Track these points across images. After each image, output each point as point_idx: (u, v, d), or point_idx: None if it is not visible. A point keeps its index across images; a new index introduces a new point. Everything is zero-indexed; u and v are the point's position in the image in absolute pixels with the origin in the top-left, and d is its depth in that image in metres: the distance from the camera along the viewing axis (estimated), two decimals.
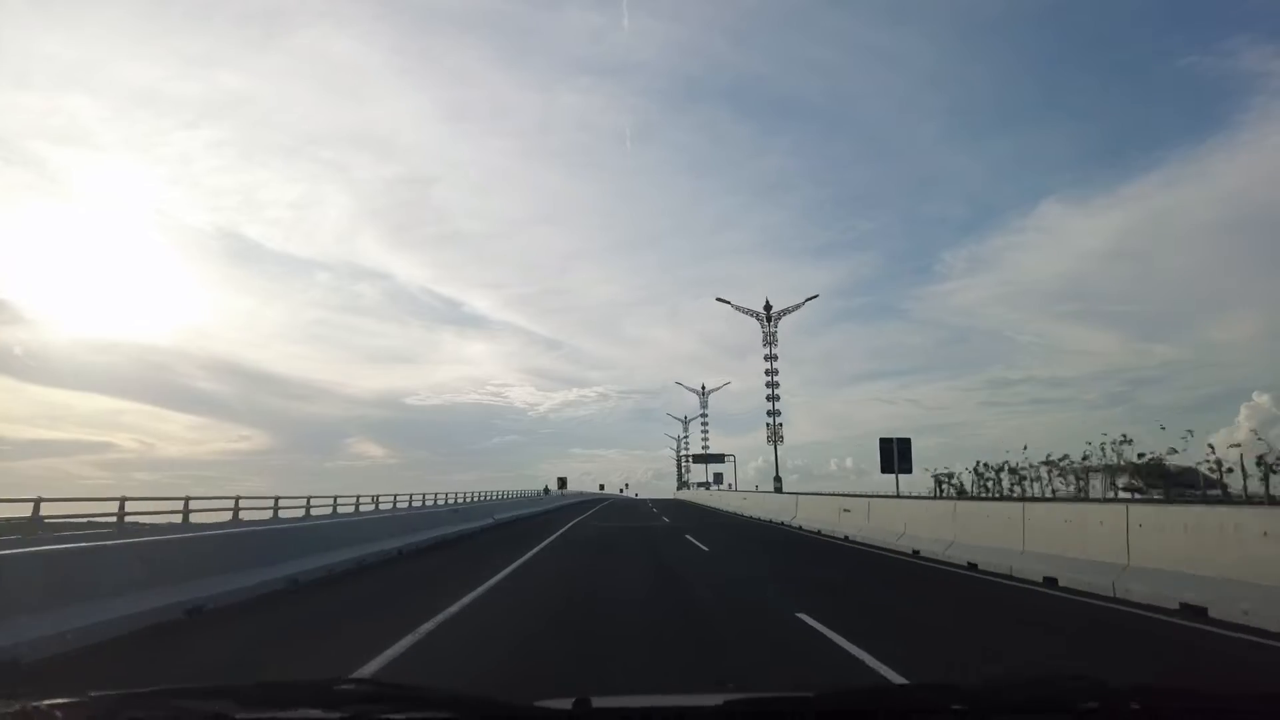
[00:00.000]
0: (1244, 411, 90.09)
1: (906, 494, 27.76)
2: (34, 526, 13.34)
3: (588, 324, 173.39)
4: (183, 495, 17.65)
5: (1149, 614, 7.38)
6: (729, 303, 54.07)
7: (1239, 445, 25.58)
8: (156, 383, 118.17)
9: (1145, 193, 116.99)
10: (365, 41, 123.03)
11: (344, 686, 1.54)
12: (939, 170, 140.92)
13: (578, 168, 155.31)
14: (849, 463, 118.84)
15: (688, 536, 18.68)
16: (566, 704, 1.45)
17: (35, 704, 1.33)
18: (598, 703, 1.47)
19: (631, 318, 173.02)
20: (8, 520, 13.73)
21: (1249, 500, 22.13)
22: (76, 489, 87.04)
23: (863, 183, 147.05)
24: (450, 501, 31.79)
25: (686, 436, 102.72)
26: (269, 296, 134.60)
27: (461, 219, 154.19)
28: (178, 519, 16.39)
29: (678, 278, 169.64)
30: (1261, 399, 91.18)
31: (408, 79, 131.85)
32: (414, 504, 29.55)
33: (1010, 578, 10.07)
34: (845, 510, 18.02)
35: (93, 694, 1.40)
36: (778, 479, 50.03)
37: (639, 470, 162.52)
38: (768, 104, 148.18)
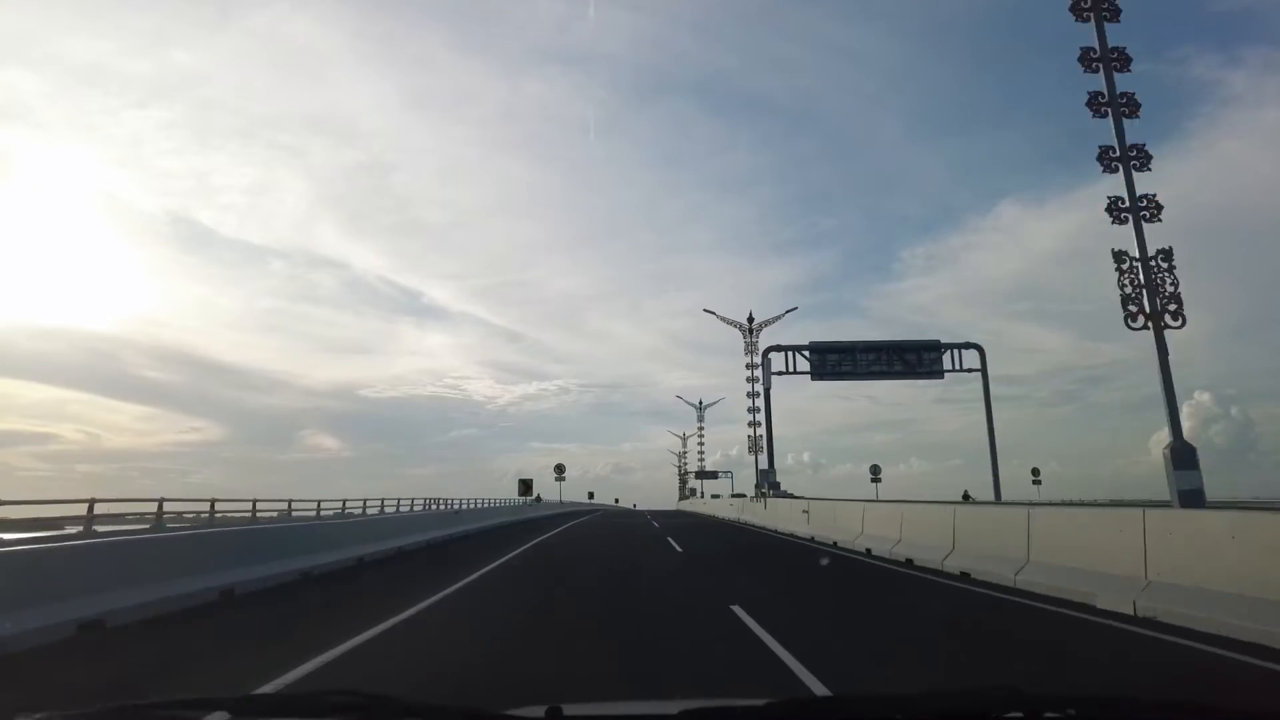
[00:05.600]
0: (1185, 410, 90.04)
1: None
2: None
3: (549, 316, 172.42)
4: (126, 488, 15.63)
5: None
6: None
7: None
8: (103, 372, 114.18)
9: (1099, 196, 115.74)
10: (325, 23, 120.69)
11: (330, 696, 1.57)
12: (900, 169, 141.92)
13: (542, 158, 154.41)
14: (806, 458, 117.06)
15: None
16: (539, 711, 1.54)
17: (36, 715, 1.42)
18: (569, 710, 1.56)
19: (594, 311, 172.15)
20: None
21: None
22: (17, 482, 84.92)
23: (825, 180, 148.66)
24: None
25: (702, 427, 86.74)
26: (222, 284, 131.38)
27: (422, 208, 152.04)
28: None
29: (641, 272, 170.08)
30: (1202, 397, 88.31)
31: (369, 63, 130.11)
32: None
33: None
34: None
35: (100, 706, 1.50)
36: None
37: (598, 465, 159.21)
38: (734, 100, 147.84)
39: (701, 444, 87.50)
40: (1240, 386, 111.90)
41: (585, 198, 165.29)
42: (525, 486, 42.75)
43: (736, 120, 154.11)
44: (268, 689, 4.88)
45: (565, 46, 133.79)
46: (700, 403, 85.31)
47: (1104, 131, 18.87)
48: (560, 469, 45.48)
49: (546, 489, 47.90)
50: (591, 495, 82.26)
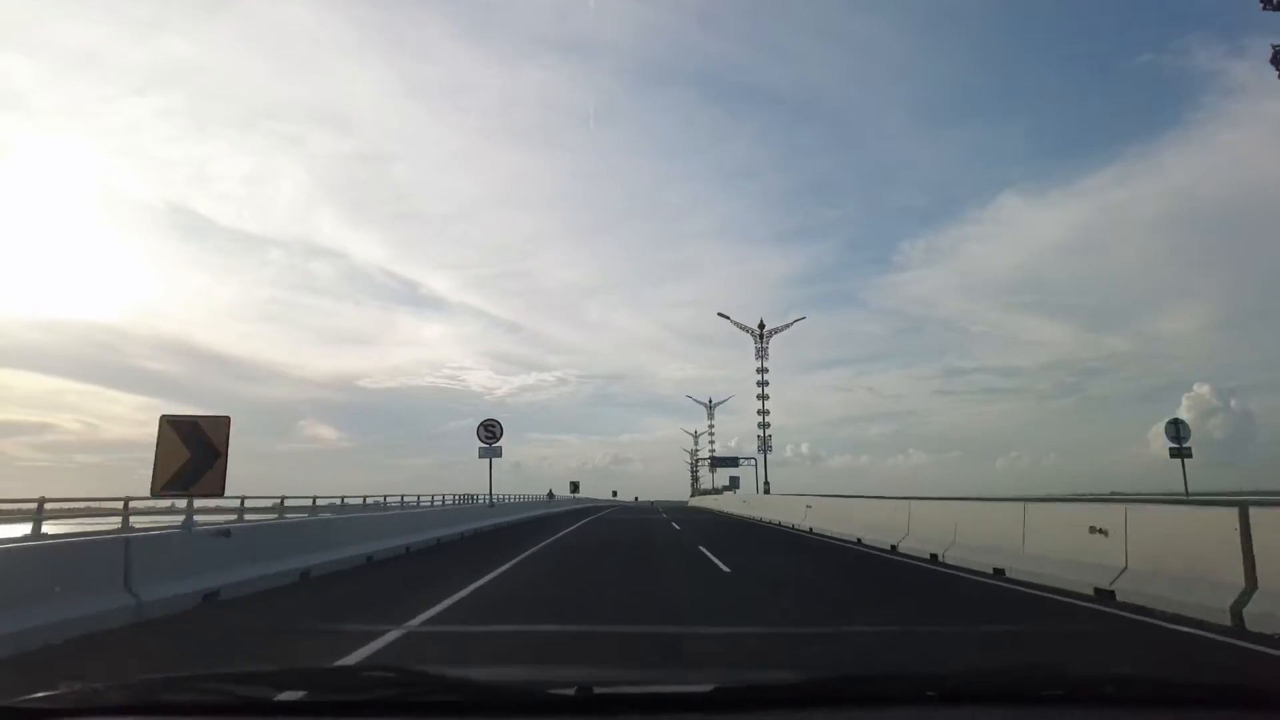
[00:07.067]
0: (1185, 402, 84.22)
1: None
2: None
3: (548, 307, 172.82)
4: (126, 479, 16.38)
5: None
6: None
7: None
8: (101, 362, 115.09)
9: (1100, 186, 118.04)
10: (323, 10, 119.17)
11: (371, 672, 1.74)
12: (901, 160, 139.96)
13: (543, 147, 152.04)
14: (805, 449, 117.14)
15: None
16: (570, 689, 1.51)
17: (91, 685, 1.49)
18: (600, 689, 1.54)
19: (593, 302, 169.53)
20: None
21: None
22: (14, 473, 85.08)
23: (826, 170, 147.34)
24: None
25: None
26: (221, 274, 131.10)
27: (421, 198, 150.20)
28: None
29: (642, 262, 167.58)
30: (1202, 389, 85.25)
31: (368, 51, 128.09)
32: None
33: None
34: None
35: (140, 678, 1.58)
36: None
37: (597, 457, 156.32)
38: (735, 89, 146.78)
39: (765, 385, 54.91)
40: (1240, 379, 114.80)
41: (586, 187, 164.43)
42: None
43: (738, 109, 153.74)
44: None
45: (566, 34, 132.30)
46: (761, 325, 55.96)
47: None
48: (491, 429, 22.48)
49: (495, 479, 24.50)
50: (576, 487, 60.16)
